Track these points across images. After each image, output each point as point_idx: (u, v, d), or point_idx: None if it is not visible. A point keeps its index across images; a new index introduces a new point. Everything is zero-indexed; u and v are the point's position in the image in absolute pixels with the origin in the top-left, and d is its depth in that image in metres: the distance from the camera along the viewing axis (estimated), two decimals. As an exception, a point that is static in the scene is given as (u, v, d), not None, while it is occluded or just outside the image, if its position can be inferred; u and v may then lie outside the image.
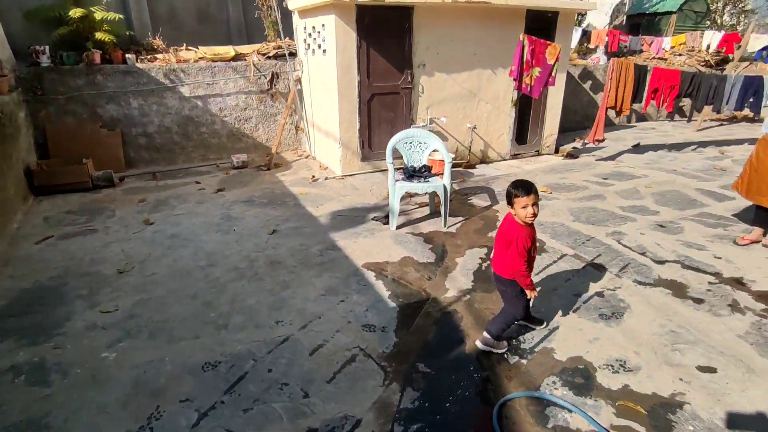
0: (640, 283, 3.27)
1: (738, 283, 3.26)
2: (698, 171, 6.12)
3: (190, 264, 3.48)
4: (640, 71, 6.14)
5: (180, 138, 6.02)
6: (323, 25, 5.44)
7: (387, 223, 4.33)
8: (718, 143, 7.79)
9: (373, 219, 4.46)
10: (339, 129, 5.61)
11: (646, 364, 2.44)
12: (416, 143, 4.43)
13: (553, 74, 5.71)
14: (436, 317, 2.87)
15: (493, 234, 4.12)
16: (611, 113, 8.18)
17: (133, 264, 3.47)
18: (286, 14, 6.60)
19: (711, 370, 2.39)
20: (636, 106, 8.32)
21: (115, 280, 3.23)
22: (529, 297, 2.46)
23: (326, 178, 5.74)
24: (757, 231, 3.83)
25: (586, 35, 10.98)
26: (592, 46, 10.81)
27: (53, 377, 2.30)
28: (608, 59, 9.53)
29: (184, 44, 6.34)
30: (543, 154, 7.37)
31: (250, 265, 3.49)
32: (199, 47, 6.23)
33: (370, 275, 3.38)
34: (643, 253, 3.72)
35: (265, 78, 6.29)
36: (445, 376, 2.37)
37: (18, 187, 4.38)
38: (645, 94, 6.31)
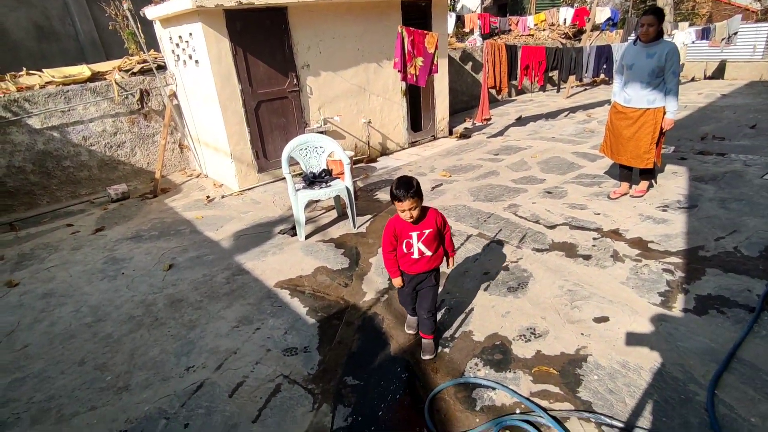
0: (538, 250, 3.54)
1: (615, 234, 3.68)
2: (572, 135, 6.81)
3: (73, 324, 3.03)
4: (512, 51, 6.63)
5: (38, 177, 5.19)
6: (190, 34, 5.03)
7: (295, 234, 4.18)
8: (585, 107, 8.76)
9: (279, 233, 4.28)
10: (228, 143, 5.27)
11: (552, 327, 2.64)
12: (311, 149, 4.31)
13: (435, 62, 5.92)
14: (357, 325, 2.84)
15: (402, 227, 4.18)
16: (493, 92, 8.77)
17: (-1, 339, 2.93)
18: (147, 23, 6.00)
19: (604, 319, 2.67)
20: (513, 82, 9.02)
21: (-25, 364, 2.70)
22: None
23: (223, 197, 5.38)
24: (624, 185, 4.36)
25: (460, 19, 11.61)
26: (467, 29, 11.46)
27: None
28: (483, 40, 10.18)
29: (24, 68, 5.46)
30: (438, 138, 7.68)
31: (147, 311, 3.14)
32: (44, 70, 5.40)
33: (285, 294, 3.23)
34: (537, 222, 4.04)
35: (134, 97, 5.67)
36: (374, 383, 2.34)
37: None
38: (518, 72, 6.84)
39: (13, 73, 5.33)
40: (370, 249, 3.83)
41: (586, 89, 11.09)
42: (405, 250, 2.34)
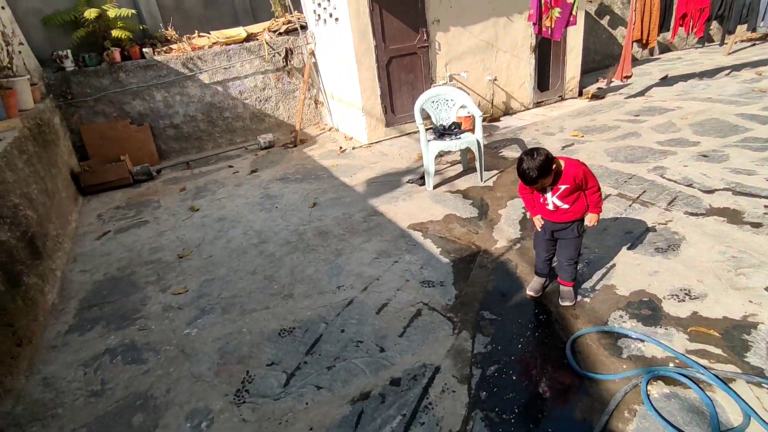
0: (691, 214, 3.23)
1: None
2: (735, 96, 5.86)
3: (244, 243, 3.61)
4: (667, -3, 5.83)
5: (206, 125, 6.09)
6: (333, -9, 5.32)
7: (423, 184, 4.35)
8: (754, 64, 7.40)
9: (408, 182, 4.49)
10: (361, 97, 5.57)
11: (711, 291, 2.45)
12: (443, 101, 4.37)
13: (573, 13, 5.48)
14: (490, 267, 2.93)
15: (532, 183, 4.11)
16: (635, 48, 7.84)
17: (191, 249, 3.61)
18: (292, -14, 6.47)
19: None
20: (661, 37, 7.94)
21: (177, 265, 3.39)
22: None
23: (353, 148, 5.75)
24: None
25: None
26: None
27: (146, 355, 2.47)
28: (626, -9, 9.05)
29: (196, 31, 6.31)
30: (567, 99, 7.18)
31: (300, 239, 3.59)
32: (211, 32, 6.19)
33: (417, 235, 3.44)
34: (689, 185, 3.65)
35: (280, 55, 6.24)
36: (511, 320, 2.44)
37: (68, 190, 4.56)
38: (672, 22, 6.01)
39: (187, 35, 6.20)
40: (498, 202, 3.84)
41: (755, 44, 9.31)
42: (541, 199, 2.32)
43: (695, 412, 1.79)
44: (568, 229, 2.35)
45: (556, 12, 5.43)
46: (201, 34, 6.19)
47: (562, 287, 2.52)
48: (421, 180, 4.43)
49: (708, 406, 1.79)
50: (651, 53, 9.85)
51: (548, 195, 2.26)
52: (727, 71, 7.28)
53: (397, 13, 5.42)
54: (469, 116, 5.35)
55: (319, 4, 5.82)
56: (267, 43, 6.07)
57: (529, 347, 2.24)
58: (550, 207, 2.28)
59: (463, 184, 4.31)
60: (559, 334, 2.31)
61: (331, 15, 5.60)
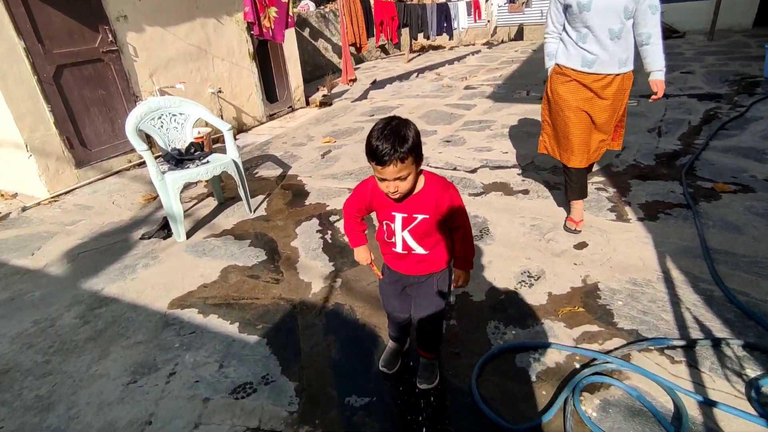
0: (474, 195, 3.25)
1: (535, 166, 3.64)
2: (434, 92, 6.83)
3: None
4: (365, 4, 6.20)
5: None
6: None
7: (169, 235, 3.03)
8: (430, 68, 9.00)
9: (143, 238, 3.05)
10: (17, 129, 3.56)
11: (543, 264, 2.35)
12: (169, 117, 3.13)
13: (290, 14, 5.10)
14: (321, 324, 2.07)
15: (310, 201, 3.42)
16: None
17: None
18: None
19: (584, 245, 2.50)
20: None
21: None
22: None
23: (24, 209, 3.67)
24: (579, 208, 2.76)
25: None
26: (294, -5, 10.60)
27: None
28: (316, 6, 9.56)
29: None
30: (297, 109, 6.88)
31: (-62, 409, 1.75)
32: None
33: (191, 315, 2.21)
34: (454, 169, 3.76)
35: None
36: (391, 394, 1.67)
37: None
38: (374, 28, 6.48)
39: None
40: (284, 232, 2.98)
41: (419, 54, 11.52)
42: (385, 234, 1.49)
43: (636, 414, 1.49)
44: (426, 283, 1.54)
45: (273, 11, 4.90)
46: None
47: (422, 359, 1.72)
48: (164, 230, 3.08)
49: (640, 400, 1.53)
50: (354, 61, 10.82)
51: (396, 228, 1.43)
52: (414, 74, 8.56)
53: (57, 3, 3.69)
54: (203, 136, 4.23)
55: None
56: None
57: (436, 423, 1.54)
58: (398, 248, 1.47)
59: (227, 221, 3.22)
60: (453, 383, 1.69)
61: None
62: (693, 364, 1.66)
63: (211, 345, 2.00)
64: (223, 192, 3.60)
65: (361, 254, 1.59)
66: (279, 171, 4.14)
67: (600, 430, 1.43)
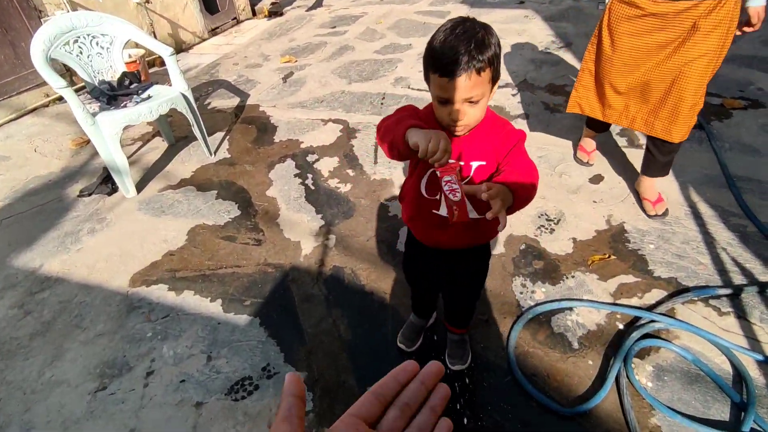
0: (469, 122, 2.88)
1: (528, 85, 3.26)
2: (400, -4, 6.02)
3: None
4: None
5: None
6: None
7: (114, 190, 2.51)
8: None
9: (82, 194, 2.52)
10: None
11: (560, 205, 2.11)
12: (89, 40, 2.43)
13: None
14: (323, 295, 1.77)
15: (279, 137, 2.94)
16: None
17: None
18: None
19: (599, 178, 2.26)
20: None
21: None
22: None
23: None
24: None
25: None
26: None
27: None
28: None
29: None
30: (243, 21, 5.93)
31: None
32: None
33: (161, 292, 1.85)
34: (441, 91, 3.32)
35: None
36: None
37: None
38: None
39: None
40: (257, 178, 2.54)
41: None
42: (424, 191, 1.09)
43: (694, 380, 1.36)
44: (470, 256, 1.23)
45: None
46: None
47: (451, 335, 1.49)
48: (108, 184, 2.54)
49: (696, 363, 1.39)
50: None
51: (447, 183, 0.88)
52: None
53: None
54: (136, 59, 3.50)
55: None
56: None
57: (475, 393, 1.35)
58: (443, 210, 1.08)
59: (184, 168, 2.71)
60: (495, 364, 1.49)
61: None
62: (742, 315, 1.53)
63: (193, 331, 1.67)
64: (172, 131, 3.02)
65: (438, 133, 0.84)
66: (236, 100, 3.53)
67: (661, 404, 1.28)
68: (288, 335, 1.62)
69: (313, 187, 2.41)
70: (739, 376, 1.35)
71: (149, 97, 2.47)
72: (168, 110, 2.45)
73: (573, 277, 1.74)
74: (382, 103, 3.22)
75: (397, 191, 2.27)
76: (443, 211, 1.09)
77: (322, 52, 4.34)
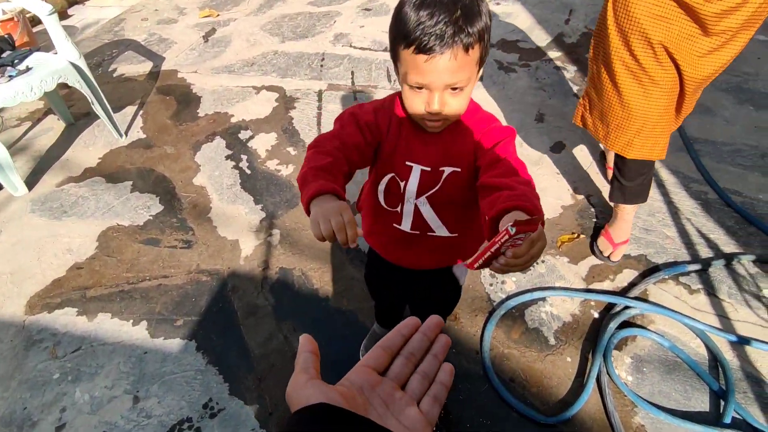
0: (419, 85, 2.63)
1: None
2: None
3: None
4: None
5: None
6: None
7: (-1, 187, 2.05)
8: None
9: (-44, 195, 2.03)
10: None
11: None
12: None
13: None
14: (269, 305, 1.53)
15: (204, 110, 2.53)
16: None
17: None
18: None
19: (559, 146, 2.14)
20: None
21: None
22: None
23: None
24: None
25: None
26: None
27: None
28: None
29: None
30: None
31: None
32: None
33: (69, 318, 1.52)
34: (385, 50, 3.00)
35: None
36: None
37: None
38: None
39: None
40: (179, 163, 2.17)
41: None
42: (382, 199, 0.87)
43: (673, 369, 1.31)
44: (441, 281, 1.07)
45: None
46: None
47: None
48: (-12, 180, 2.07)
49: (673, 350, 1.34)
50: None
51: (410, 185, 0.81)
52: None
53: None
54: (12, 17, 2.87)
55: None
56: None
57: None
58: (406, 225, 0.87)
59: (87, 154, 2.26)
60: (470, 370, 1.36)
61: None
62: (711, 291, 1.49)
63: (113, 366, 1.39)
64: (69, 106, 2.51)
65: (332, 210, 0.59)
66: (149, 65, 3.01)
67: (643, 400, 1.22)
68: (232, 360, 1.39)
69: (249, 171, 2.09)
70: (715, 360, 1.31)
71: (28, 69, 1.97)
72: (55, 86, 1.98)
73: (543, 261, 1.62)
74: (321, 65, 2.87)
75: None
76: (406, 226, 0.88)
77: (248, 3, 3.79)
